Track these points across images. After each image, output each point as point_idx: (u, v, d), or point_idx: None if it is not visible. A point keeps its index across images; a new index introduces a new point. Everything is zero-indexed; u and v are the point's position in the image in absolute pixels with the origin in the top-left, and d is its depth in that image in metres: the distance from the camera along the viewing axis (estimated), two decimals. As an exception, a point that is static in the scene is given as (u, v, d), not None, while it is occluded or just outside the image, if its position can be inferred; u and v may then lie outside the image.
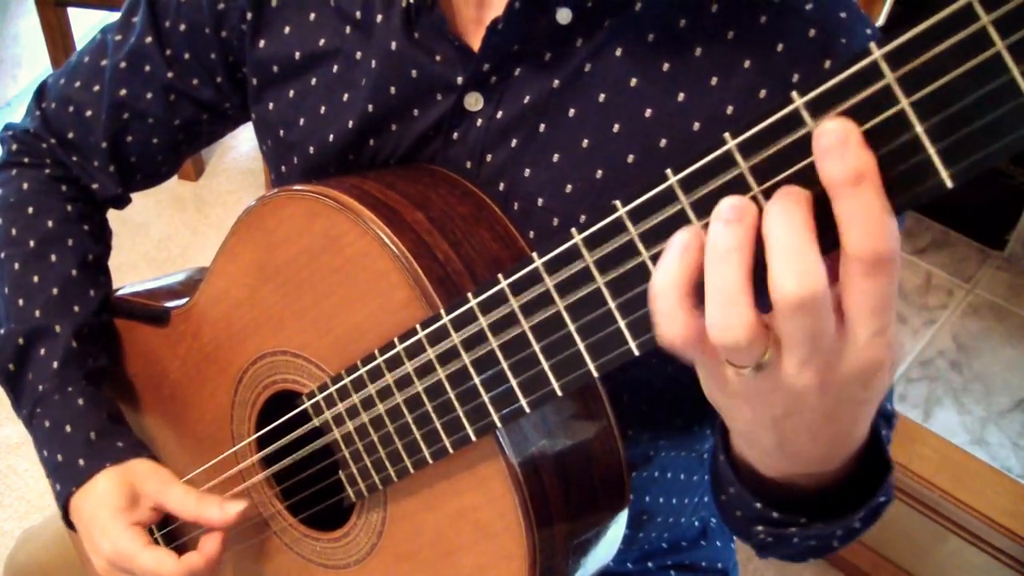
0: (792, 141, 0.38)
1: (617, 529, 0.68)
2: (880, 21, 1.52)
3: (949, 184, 0.35)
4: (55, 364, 0.80)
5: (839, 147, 0.36)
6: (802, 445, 0.47)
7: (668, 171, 0.42)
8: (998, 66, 0.33)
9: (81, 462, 0.76)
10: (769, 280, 0.38)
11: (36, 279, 0.82)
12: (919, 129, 0.35)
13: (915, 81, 0.35)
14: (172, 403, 0.84)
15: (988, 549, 1.41)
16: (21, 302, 0.81)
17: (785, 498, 0.56)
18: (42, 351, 0.80)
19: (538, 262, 0.47)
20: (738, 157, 0.39)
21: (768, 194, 0.39)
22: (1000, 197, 1.93)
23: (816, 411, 0.44)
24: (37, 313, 0.81)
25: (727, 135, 0.39)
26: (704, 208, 0.41)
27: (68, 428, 0.78)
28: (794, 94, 0.37)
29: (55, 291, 0.82)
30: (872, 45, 0.35)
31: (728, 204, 0.39)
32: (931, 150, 0.35)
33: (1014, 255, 1.96)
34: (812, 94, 0.37)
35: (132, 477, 0.76)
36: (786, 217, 0.38)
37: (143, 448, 0.79)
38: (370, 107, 0.70)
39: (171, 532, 0.83)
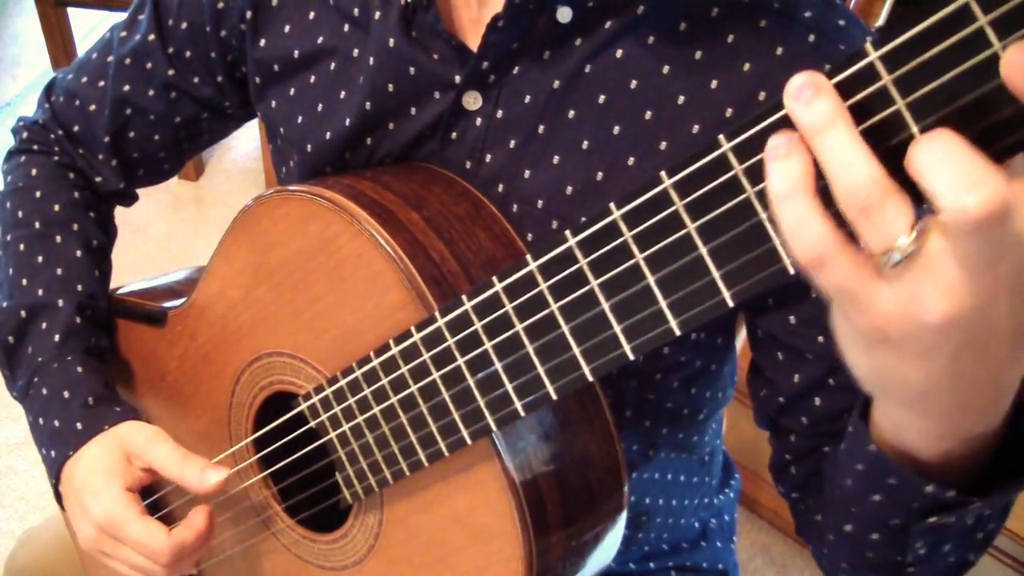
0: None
1: (616, 531, 0.68)
2: (880, 21, 1.51)
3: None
4: (56, 337, 0.80)
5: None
6: (978, 373, 0.40)
7: (663, 173, 0.41)
8: (996, 66, 0.32)
9: (79, 425, 0.76)
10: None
11: (40, 259, 0.83)
12: (915, 130, 0.35)
13: (911, 82, 0.34)
14: (170, 403, 0.84)
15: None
16: (25, 281, 0.82)
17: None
18: (43, 325, 0.81)
19: (532, 264, 0.47)
20: (733, 160, 0.39)
21: (762, 196, 0.38)
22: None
23: (1002, 307, 0.36)
24: (40, 291, 0.82)
25: (722, 137, 0.39)
26: (698, 210, 0.41)
27: (66, 394, 0.78)
28: (789, 96, 0.37)
29: (59, 270, 0.83)
30: (868, 46, 0.35)
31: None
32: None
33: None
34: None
35: (122, 438, 0.75)
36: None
37: (137, 413, 0.79)
38: (368, 105, 0.70)
39: (156, 502, 0.83)
